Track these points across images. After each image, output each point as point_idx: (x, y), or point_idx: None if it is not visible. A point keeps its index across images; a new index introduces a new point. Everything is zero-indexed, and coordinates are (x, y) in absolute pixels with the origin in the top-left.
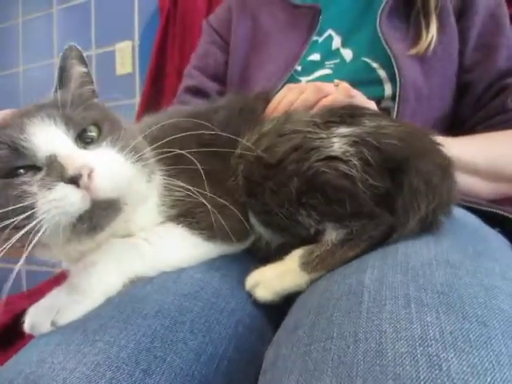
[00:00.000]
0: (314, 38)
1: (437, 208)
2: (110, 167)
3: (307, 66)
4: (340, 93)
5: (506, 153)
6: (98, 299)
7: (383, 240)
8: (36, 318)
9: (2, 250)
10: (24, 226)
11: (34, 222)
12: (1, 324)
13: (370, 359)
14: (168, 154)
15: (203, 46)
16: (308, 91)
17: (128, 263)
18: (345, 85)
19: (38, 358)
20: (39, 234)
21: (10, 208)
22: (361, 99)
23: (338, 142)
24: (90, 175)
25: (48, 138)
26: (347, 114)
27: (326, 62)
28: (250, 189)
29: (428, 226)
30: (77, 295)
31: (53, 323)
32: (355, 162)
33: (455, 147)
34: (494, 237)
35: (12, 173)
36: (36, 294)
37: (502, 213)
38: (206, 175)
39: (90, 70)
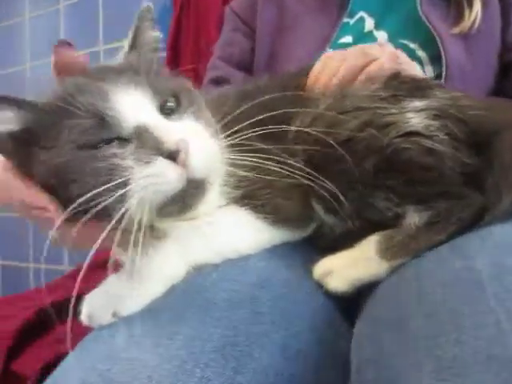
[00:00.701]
0: (345, 19)
1: None
2: (203, 143)
3: (338, 49)
4: (387, 57)
5: None
6: (162, 287)
7: (474, 223)
8: (95, 308)
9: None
10: (115, 206)
11: (130, 201)
12: (24, 319)
13: None
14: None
15: (227, 34)
16: (352, 57)
17: (192, 249)
18: (391, 49)
19: (111, 353)
20: (131, 215)
21: (101, 183)
22: (407, 63)
23: (415, 116)
24: (186, 151)
25: (135, 107)
26: (413, 87)
27: (359, 45)
28: (314, 170)
29: None
30: (139, 283)
31: (114, 314)
32: (442, 137)
33: None
34: None
35: (98, 144)
36: (55, 289)
37: None
38: (268, 157)
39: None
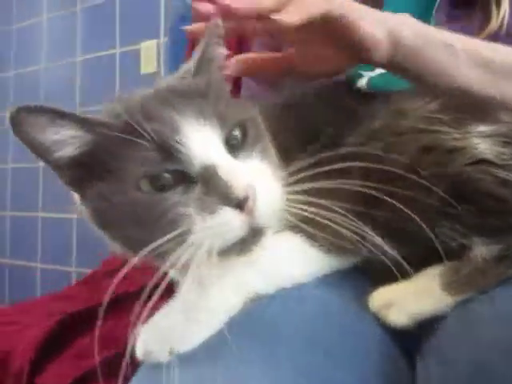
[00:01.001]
0: None
1: None
2: (270, 189)
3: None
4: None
5: None
6: (221, 320)
7: None
8: (151, 345)
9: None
10: (173, 248)
11: (186, 249)
12: (45, 331)
13: None
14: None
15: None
16: None
17: (248, 278)
18: None
19: None
20: (185, 258)
21: (161, 230)
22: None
23: (481, 142)
24: (254, 199)
25: (203, 143)
26: (475, 108)
27: None
28: (370, 197)
29: None
30: (196, 316)
31: (171, 351)
32: None
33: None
34: None
35: (159, 179)
36: (70, 297)
37: None
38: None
39: (114, 68)
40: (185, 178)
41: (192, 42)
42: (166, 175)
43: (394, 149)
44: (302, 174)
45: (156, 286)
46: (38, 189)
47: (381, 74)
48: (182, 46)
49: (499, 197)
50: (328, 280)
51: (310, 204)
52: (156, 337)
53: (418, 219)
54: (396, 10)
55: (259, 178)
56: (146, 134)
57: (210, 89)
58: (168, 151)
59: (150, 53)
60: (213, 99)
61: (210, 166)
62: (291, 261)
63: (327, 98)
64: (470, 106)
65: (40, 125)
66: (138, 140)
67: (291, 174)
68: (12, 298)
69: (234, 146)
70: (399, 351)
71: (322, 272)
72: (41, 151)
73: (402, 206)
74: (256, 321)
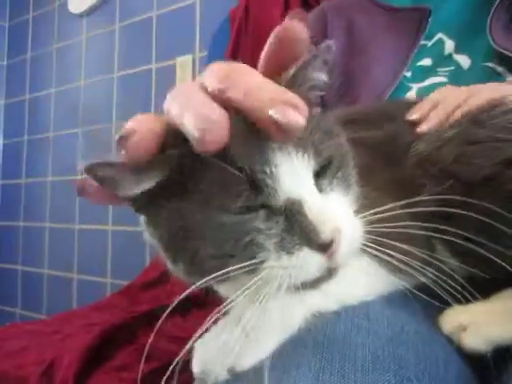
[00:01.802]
0: (422, 42)
1: None
2: (352, 228)
3: (417, 72)
4: None
5: None
6: (280, 337)
7: None
8: (209, 363)
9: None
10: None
11: (256, 281)
12: (87, 343)
13: None
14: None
15: None
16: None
17: (310, 295)
18: None
19: None
20: (252, 289)
21: (231, 252)
22: None
23: None
24: (338, 243)
25: (293, 175)
26: None
27: (439, 69)
28: (443, 211)
29: None
30: (256, 334)
31: (230, 370)
32: None
33: None
34: None
35: (240, 209)
36: (106, 306)
37: None
38: (390, 195)
39: (150, 83)
40: (267, 207)
41: (230, 56)
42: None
43: (469, 159)
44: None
45: (191, 299)
46: (74, 200)
47: (431, 85)
48: (219, 59)
49: None
50: (394, 299)
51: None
52: (214, 354)
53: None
54: (440, 26)
55: (344, 217)
56: (230, 158)
57: (310, 118)
58: (252, 180)
59: (186, 67)
60: (310, 129)
61: (296, 200)
62: (355, 279)
63: (389, 114)
64: None
65: (117, 180)
66: (227, 166)
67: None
68: (49, 309)
69: (319, 176)
70: (475, 378)
71: (387, 290)
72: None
73: (483, 218)
74: (327, 339)
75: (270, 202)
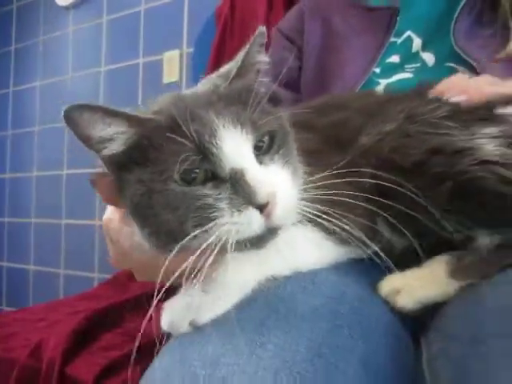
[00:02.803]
0: (392, 39)
1: None
2: (288, 195)
3: (386, 68)
4: None
5: None
6: (236, 296)
7: None
8: (174, 317)
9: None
10: (197, 238)
11: (211, 237)
12: (74, 326)
13: None
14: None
15: (274, 53)
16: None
17: (266, 262)
18: None
19: (210, 359)
20: (207, 244)
21: (190, 217)
22: None
23: (488, 143)
24: (273, 204)
25: (236, 148)
26: (481, 111)
27: (406, 66)
28: (382, 192)
29: None
30: (215, 292)
31: (191, 323)
32: None
33: None
34: None
35: (194, 178)
36: (92, 296)
37: None
38: (337, 174)
39: (137, 77)
40: (215, 177)
41: (216, 51)
42: (198, 172)
43: (403, 149)
44: (323, 180)
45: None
46: (60, 195)
47: (397, 81)
48: (205, 56)
49: (501, 193)
50: (343, 267)
51: (326, 202)
52: (178, 310)
53: (418, 214)
54: (409, 25)
55: (280, 184)
56: (188, 134)
57: (249, 94)
58: (204, 152)
59: (173, 63)
60: (250, 105)
61: (239, 170)
62: (307, 248)
63: (340, 104)
64: (478, 109)
65: (91, 121)
66: (180, 138)
67: (314, 178)
68: (35, 304)
69: (260, 151)
70: (406, 332)
71: (336, 260)
72: (91, 143)
73: (414, 197)
74: (275, 297)
75: (217, 170)
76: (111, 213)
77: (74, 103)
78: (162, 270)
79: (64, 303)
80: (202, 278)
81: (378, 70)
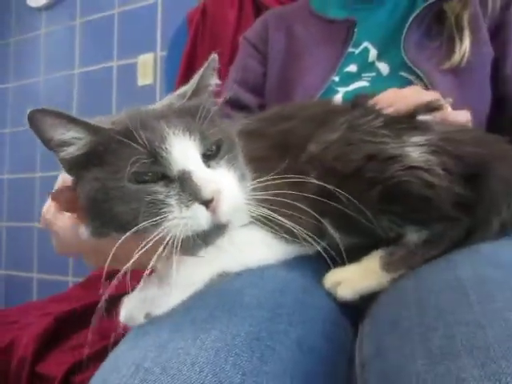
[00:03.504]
0: (350, 49)
1: None
2: (232, 193)
3: (344, 77)
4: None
5: None
6: (188, 291)
7: (462, 241)
8: (131, 311)
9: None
10: (149, 231)
11: (162, 232)
12: (45, 326)
13: (504, 342)
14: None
15: (241, 60)
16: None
17: (216, 259)
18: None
19: (158, 344)
20: (159, 237)
21: (144, 214)
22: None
23: (414, 150)
24: (218, 201)
25: (184, 152)
26: (412, 121)
27: (363, 74)
28: (325, 195)
29: (507, 229)
30: (167, 287)
31: (147, 315)
32: (439, 172)
33: None
34: None
35: (147, 178)
36: (65, 298)
37: None
38: (284, 179)
39: (111, 80)
40: (165, 178)
41: (187, 56)
42: (150, 173)
43: (344, 157)
44: (269, 182)
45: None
46: (33, 199)
47: (355, 89)
48: (178, 60)
49: (425, 196)
50: (291, 263)
51: (274, 204)
52: (135, 304)
53: (356, 215)
54: (366, 36)
55: (225, 183)
56: (140, 140)
57: (200, 110)
58: (155, 156)
59: (147, 66)
60: (200, 119)
61: (186, 171)
62: (256, 247)
63: (287, 115)
64: (408, 119)
65: (53, 125)
66: (132, 143)
67: (260, 181)
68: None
69: (209, 158)
70: (348, 320)
71: (285, 257)
72: (50, 145)
73: (352, 199)
74: (225, 291)
75: (167, 171)
76: (49, 204)
77: (39, 107)
78: (111, 255)
79: (36, 306)
80: (157, 273)
81: (337, 79)
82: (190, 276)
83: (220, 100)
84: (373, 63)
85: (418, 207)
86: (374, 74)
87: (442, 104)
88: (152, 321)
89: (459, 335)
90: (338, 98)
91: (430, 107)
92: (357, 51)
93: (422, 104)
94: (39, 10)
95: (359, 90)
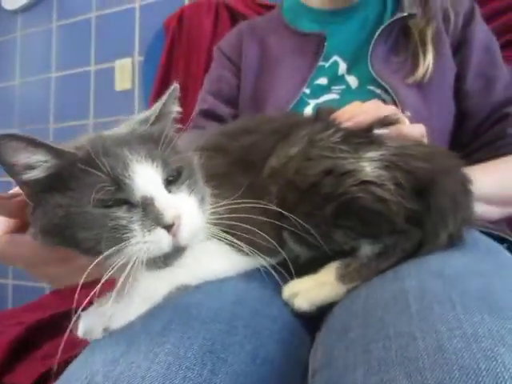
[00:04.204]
0: (321, 63)
1: (462, 223)
2: (192, 218)
3: (315, 90)
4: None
5: None
6: (146, 305)
7: (413, 253)
8: (89, 324)
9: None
10: (111, 255)
11: (124, 256)
12: (15, 335)
13: (433, 354)
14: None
15: (215, 71)
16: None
17: (173, 274)
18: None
19: (111, 358)
20: (122, 264)
21: (107, 239)
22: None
23: (368, 165)
24: (178, 225)
25: (147, 179)
26: (369, 137)
27: (333, 87)
28: (285, 210)
29: (454, 241)
30: (125, 302)
31: (105, 329)
32: (390, 187)
33: (477, 180)
34: (504, 251)
35: (110, 204)
36: (39, 307)
37: (507, 237)
38: (244, 194)
39: (89, 84)
40: (128, 203)
41: (164, 63)
42: (113, 199)
43: (303, 171)
44: (232, 200)
45: None
46: None
47: (325, 101)
48: (155, 66)
49: (377, 211)
50: (251, 275)
51: (235, 220)
52: (93, 319)
53: (313, 229)
54: (336, 50)
55: (185, 208)
56: (102, 167)
57: (162, 137)
58: (118, 183)
59: (125, 70)
60: (163, 146)
61: (149, 197)
62: (214, 260)
63: (249, 128)
64: (366, 134)
65: (16, 149)
66: (96, 171)
67: (223, 199)
68: None
69: (170, 183)
70: (306, 330)
71: (243, 270)
72: (14, 170)
73: (304, 219)
74: (183, 304)
75: (130, 198)
76: None
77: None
78: (81, 282)
79: (9, 314)
80: (116, 288)
81: (308, 91)
82: (148, 290)
83: (181, 126)
84: (342, 76)
85: (370, 221)
86: (343, 86)
87: (398, 118)
88: (109, 335)
89: (395, 347)
90: (308, 110)
91: (386, 121)
92: (327, 65)
93: (379, 118)
94: (15, 12)
95: (329, 102)
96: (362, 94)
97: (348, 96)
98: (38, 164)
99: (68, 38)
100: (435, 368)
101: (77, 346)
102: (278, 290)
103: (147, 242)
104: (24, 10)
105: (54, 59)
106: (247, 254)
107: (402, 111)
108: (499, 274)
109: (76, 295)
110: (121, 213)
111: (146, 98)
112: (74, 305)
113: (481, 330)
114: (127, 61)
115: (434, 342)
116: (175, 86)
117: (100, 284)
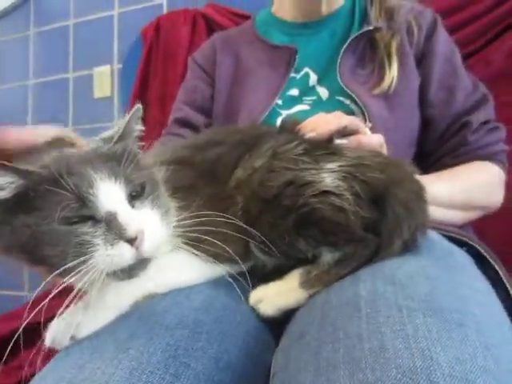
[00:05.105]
0: (292, 74)
1: (416, 229)
2: (155, 231)
3: (287, 101)
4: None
5: (476, 183)
6: (113, 314)
7: (371, 259)
8: (56, 334)
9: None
10: (76, 269)
11: (88, 268)
12: None
13: (375, 354)
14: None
15: (190, 81)
16: (345, 120)
17: (140, 283)
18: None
19: (77, 365)
20: (87, 277)
21: (73, 254)
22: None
23: (328, 176)
24: (141, 239)
25: (110, 196)
26: (330, 148)
27: (304, 98)
28: (250, 220)
29: (408, 246)
30: (92, 311)
31: (72, 337)
32: (348, 196)
33: (433, 186)
34: (460, 255)
35: (74, 221)
36: (14, 316)
37: (466, 240)
38: (210, 205)
39: (67, 92)
40: (92, 219)
41: (141, 71)
42: (78, 216)
43: (267, 183)
44: (198, 211)
45: None
46: None
47: (296, 112)
48: (133, 74)
49: (336, 221)
50: (220, 282)
51: (200, 231)
52: (60, 328)
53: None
54: (307, 62)
55: (148, 222)
56: (66, 186)
57: (125, 155)
58: (82, 200)
59: (104, 78)
60: (125, 163)
61: (112, 212)
62: (180, 269)
63: (216, 140)
64: (327, 145)
65: None
66: (60, 190)
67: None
68: None
69: (134, 198)
70: (271, 335)
71: (210, 278)
72: None
73: (268, 228)
74: (149, 311)
75: (94, 214)
76: None
77: None
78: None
79: None
80: (83, 299)
81: (280, 102)
82: (115, 299)
83: (144, 144)
84: (313, 87)
85: (330, 231)
86: (314, 97)
87: (358, 128)
88: (77, 343)
89: (343, 348)
90: (280, 120)
91: (346, 132)
92: (298, 76)
93: (339, 128)
94: None
95: (301, 113)
96: (332, 105)
97: (319, 107)
98: (5, 186)
99: (46, 44)
100: (376, 367)
101: (51, 356)
102: (246, 296)
103: (110, 254)
104: (1, 16)
105: (31, 66)
106: (213, 263)
107: (370, 121)
108: (447, 277)
109: (43, 308)
110: (85, 228)
111: (124, 105)
112: (42, 317)
113: (421, 331)
114: (106, 68)
115: (378, 343)
116: (138, 107)
117: (71, 296)
